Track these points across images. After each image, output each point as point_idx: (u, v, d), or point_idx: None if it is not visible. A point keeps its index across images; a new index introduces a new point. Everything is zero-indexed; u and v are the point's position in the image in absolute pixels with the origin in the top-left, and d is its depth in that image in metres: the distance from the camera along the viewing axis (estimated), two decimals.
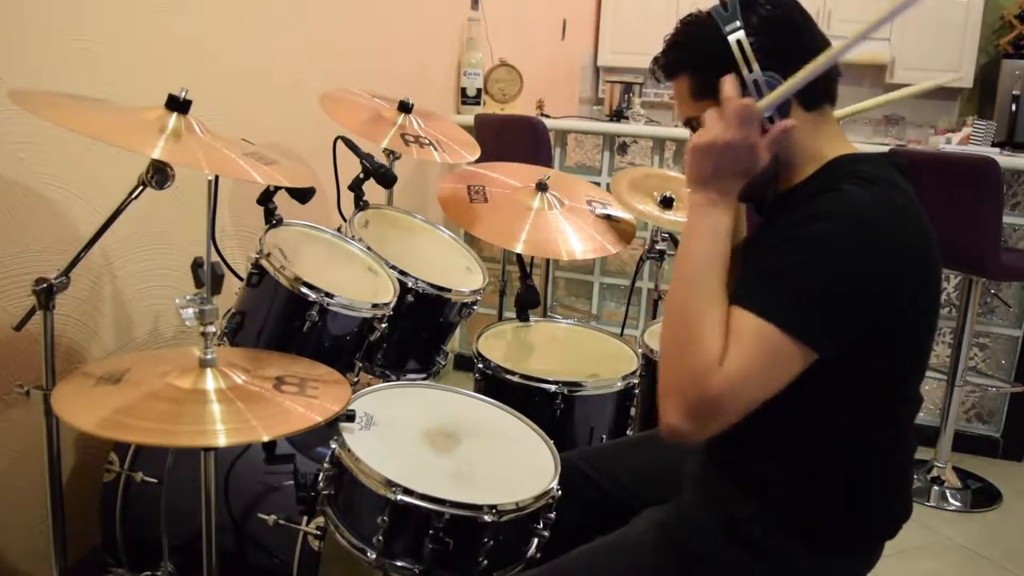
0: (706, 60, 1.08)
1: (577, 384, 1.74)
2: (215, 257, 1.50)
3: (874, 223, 0.99)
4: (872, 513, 1.12)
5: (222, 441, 1.09)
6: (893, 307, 1.00)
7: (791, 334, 0.96)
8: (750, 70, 1.05)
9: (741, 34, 1.05)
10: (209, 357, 1.23)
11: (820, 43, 1.09)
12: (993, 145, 3.14)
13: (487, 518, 1.24)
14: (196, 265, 1.29)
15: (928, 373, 1.18)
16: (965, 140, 3.15)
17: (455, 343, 3.44)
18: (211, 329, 1.23)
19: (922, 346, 1.10)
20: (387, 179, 1.97)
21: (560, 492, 1.34)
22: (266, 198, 1.74)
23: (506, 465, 1.40)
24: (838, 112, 1.19)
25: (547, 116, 3.56)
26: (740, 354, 0.96)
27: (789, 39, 1.08)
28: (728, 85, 1.05)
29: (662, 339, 1.06)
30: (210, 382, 1.20)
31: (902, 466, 1.15)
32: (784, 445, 1.09)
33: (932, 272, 1.06)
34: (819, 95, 1.11)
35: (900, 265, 1.00)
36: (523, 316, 2.07)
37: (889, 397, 1.09)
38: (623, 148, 3.48)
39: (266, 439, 1.09)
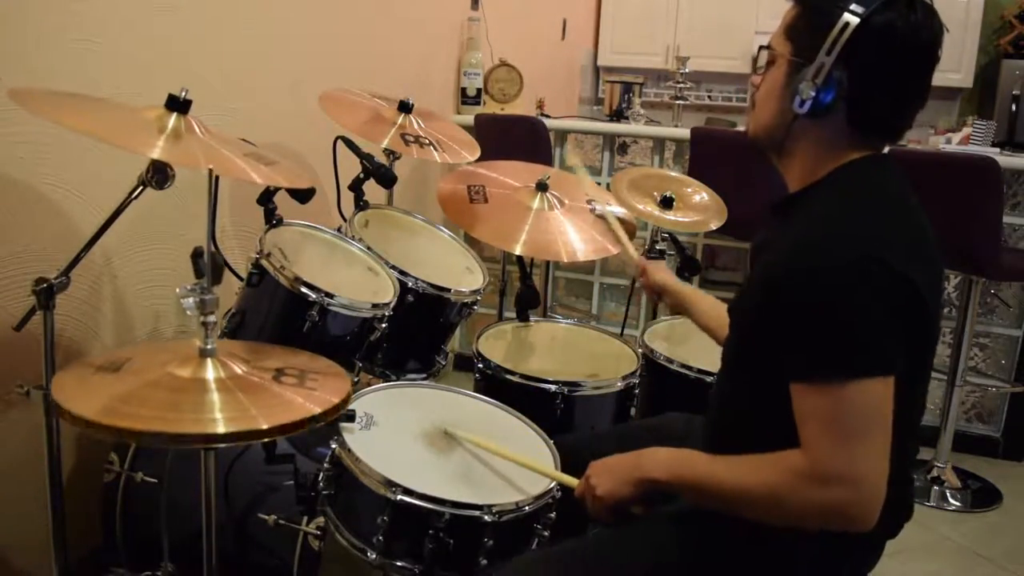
0: (814, 10, 1.08)
1: (577, 384, 1.74)
2: None
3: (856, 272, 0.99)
4: None
5: (221, 430, 1.08)
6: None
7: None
8: (828, 53, 1.04)
9: (854, 20, 1.03)
10: (209, 347, 1.22)
11: (913, 98, 1.09)
12: (993, 145, 3.13)
13: (487, 518, 1.24)
14: (196, 255, 1.29)
15: None
16: (965, 140, 3.15)
17: (455, 343, 3.44)
18: (211, 319, 1.22)
19: (926, 358, 1.11)
20: (387, 179, 1.97)
21: (560, 492, 1.34)
22: (266, 198, 1.74)
23: (506, 465, 1.40)
24: None
25: (547, 116, 3.56)
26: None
27: (888, 60, 1.05)
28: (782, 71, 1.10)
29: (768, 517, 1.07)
30: (210, 371, 1.20)
31: (903, 466, 1.15)
32: (787, 446, 1.09)
33: (920, 293, 1.03)
34: (873, 126, 1.10)
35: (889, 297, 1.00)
36: (523, 316, 2.06)
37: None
38: (623, 148, 3.48)
39: (265, 427, 1.09)
